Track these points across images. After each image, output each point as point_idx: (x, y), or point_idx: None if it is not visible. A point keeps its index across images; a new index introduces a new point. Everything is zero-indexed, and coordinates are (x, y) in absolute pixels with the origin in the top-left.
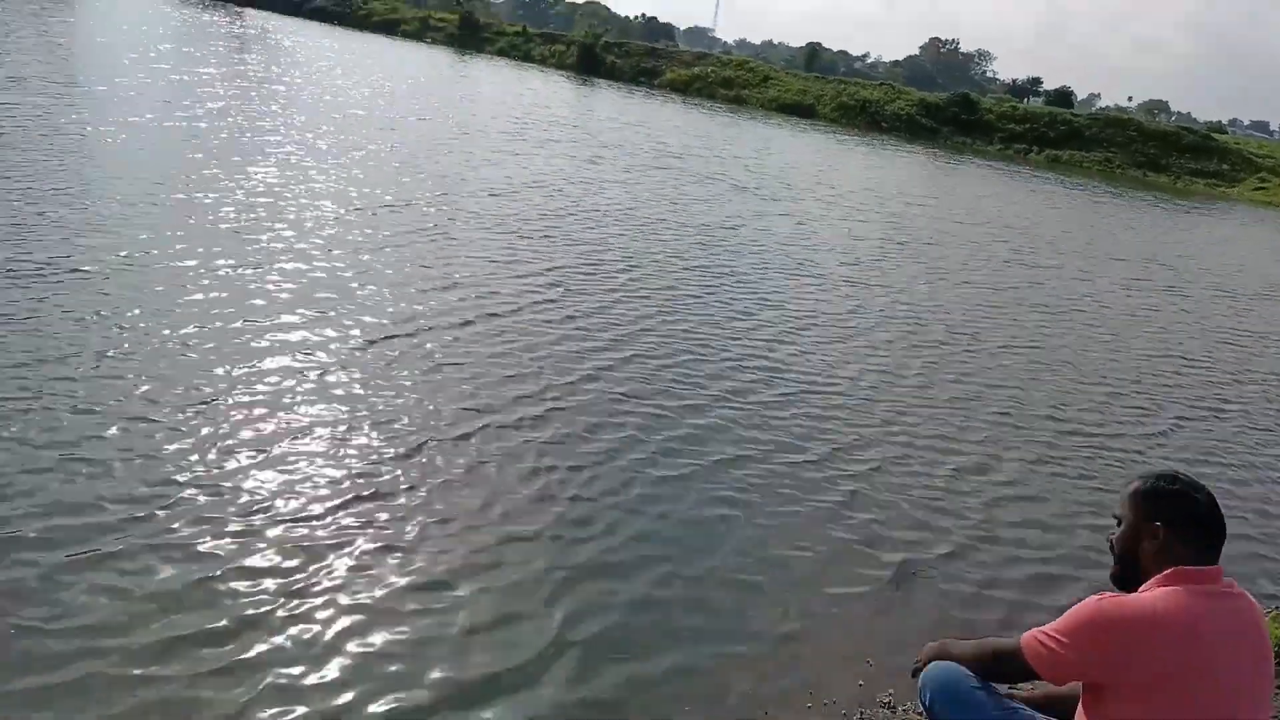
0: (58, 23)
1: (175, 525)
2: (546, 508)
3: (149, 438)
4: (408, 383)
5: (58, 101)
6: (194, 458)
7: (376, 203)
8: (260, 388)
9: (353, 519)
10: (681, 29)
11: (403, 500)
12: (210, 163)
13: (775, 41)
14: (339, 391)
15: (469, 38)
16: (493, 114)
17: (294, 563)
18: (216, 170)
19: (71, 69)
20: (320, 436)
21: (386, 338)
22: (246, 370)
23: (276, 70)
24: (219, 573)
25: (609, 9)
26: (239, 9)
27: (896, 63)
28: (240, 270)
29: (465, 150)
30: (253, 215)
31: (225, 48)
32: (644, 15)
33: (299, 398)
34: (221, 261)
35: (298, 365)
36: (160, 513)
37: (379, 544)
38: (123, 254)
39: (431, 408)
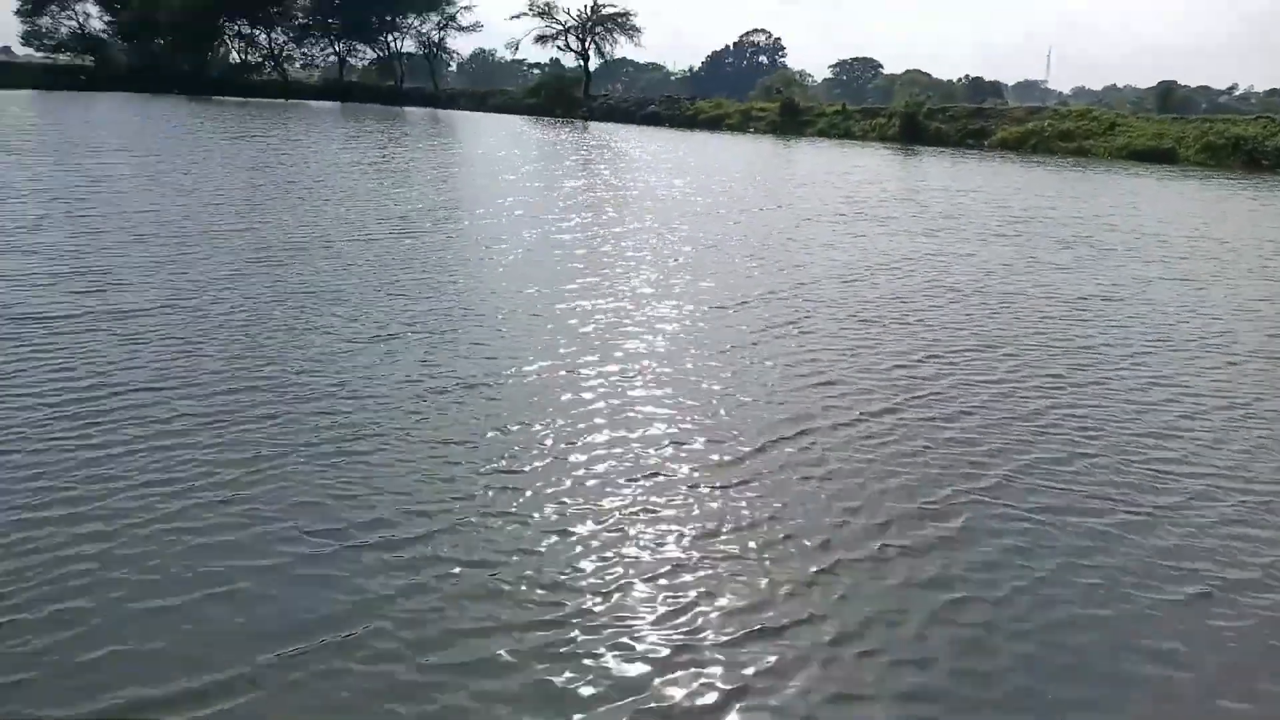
0: (441, 149)
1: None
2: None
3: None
4: (794, 493)
5: (458, 226)
6: (590, 561)
7: (734, 299)
8: (636, 496)
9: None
10: (1010, 85)
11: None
12: (577, 269)
13: (1119, 85)
14: (717, 504)
15: (790, 123)
16: (824, 196)
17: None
18: (586, 277)
19: (458, 194)
20: (708, 553)
21: (772, 442)
22: (624, 482)
23: (623, 176)
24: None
25: (929, 75)
26: (584, 123)
27: (1273, 91)
28: (611, 375)
29: (807, 236)
30: (617, 318)
31: (576, 159)
32: (967, 76)
33: (679, 511)
34: (590, 371)
35: (677, 477)
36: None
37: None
38: (507, 358)
39: (829, 522)
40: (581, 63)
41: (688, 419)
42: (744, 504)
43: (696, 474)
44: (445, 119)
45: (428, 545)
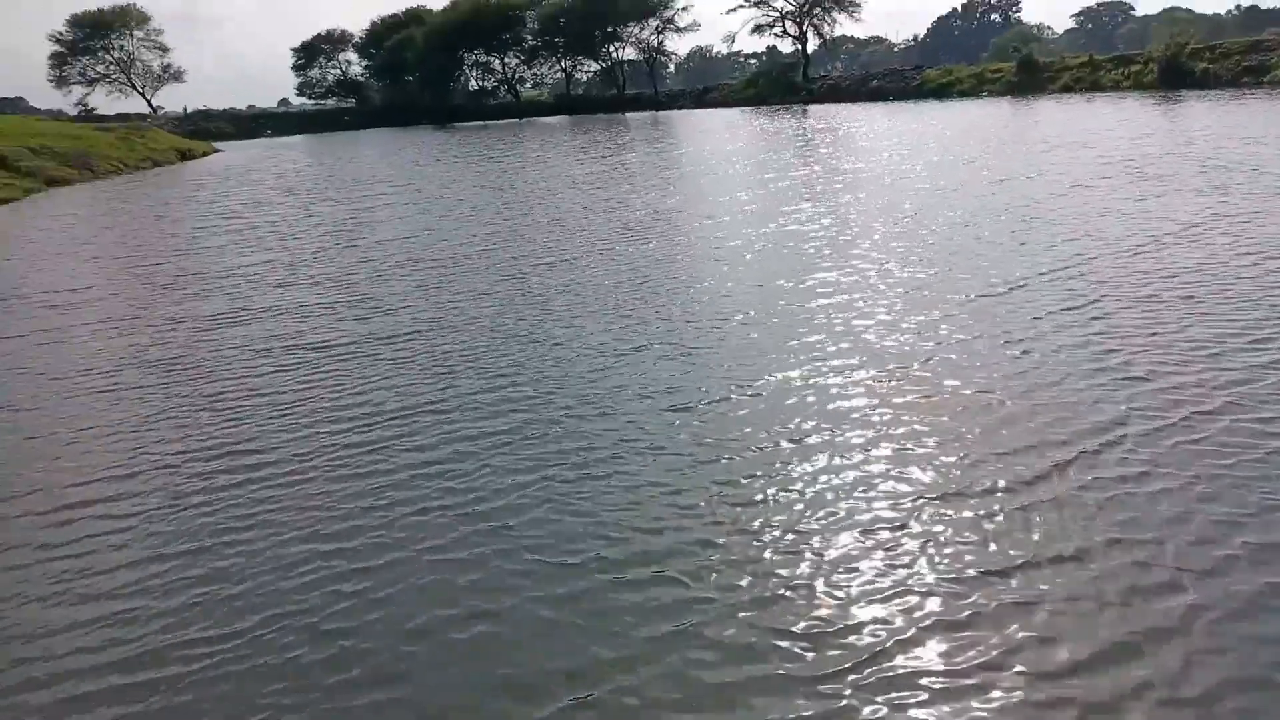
0: (664, 151)
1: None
2: None
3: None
4: (1114, 516)
5: (691, 228)
6: (871, 607)
7: (1002, 283)
8: (918, 523)
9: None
10: None
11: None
12: (817, 262)
13: None
14: (1020, 533)
15: (1029, 82)
16: (1084, 158)
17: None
18: (828, 271)
19: (686, 195)
20: (1007, 596)
21: (1077, 454)
22: (902, 505)
23: (851, 157)
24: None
25: (1190, 11)
26: (803, 107)
27: None
28: (871, 381)
29: (1075, 205)
30: (869, 315)
31: (798, 145)
32: (1239, 7)
33: (972, 539)
34: (846, 377)
35: (965, 499)
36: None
37: None
38: (756, 367)
39: (1169, 555)
40: (799, 46)
41: (968, 428)
42: (1056, 531)
43: (987, 495)
44: (665, 120)
45: (687, 586)
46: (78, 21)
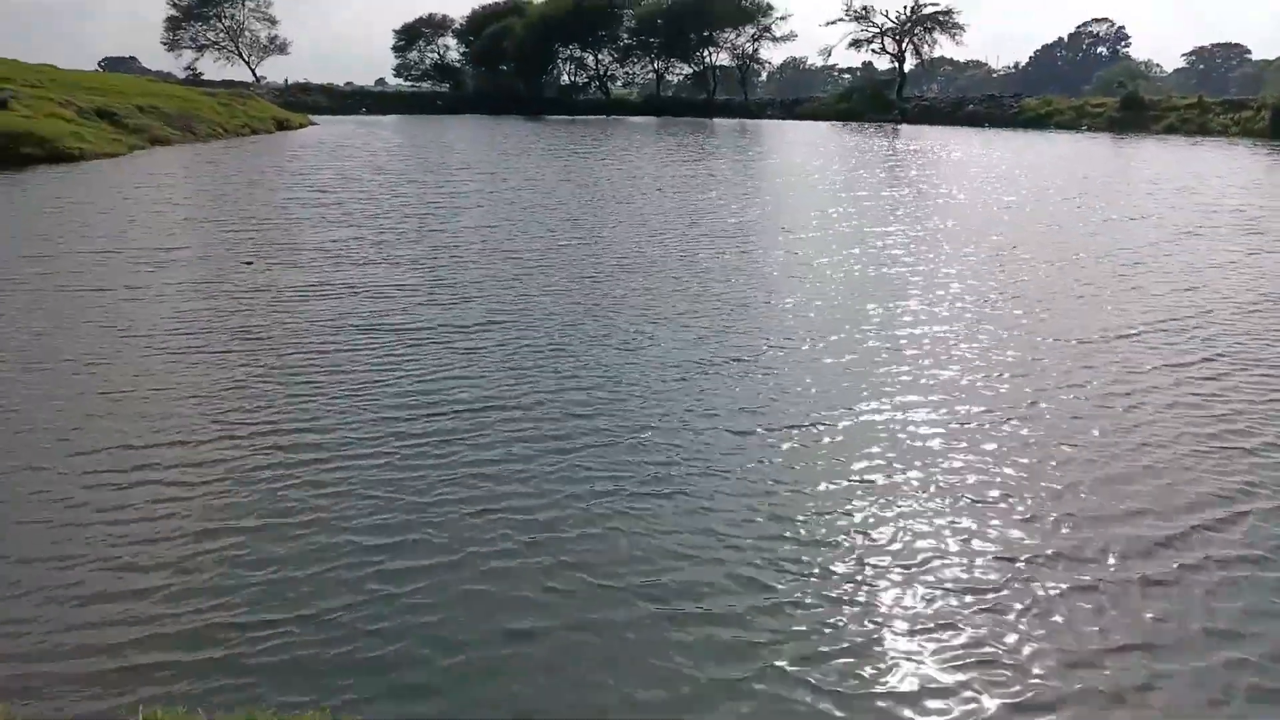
0: (753, 160)
1: None
2: None
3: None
4: (1237, 606)
5: (774, 242)
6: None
7: (1104, 333)
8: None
9: None
10: None
11: None
12: (905, 292)
13: None
14: (1134, 610)
15: (1131, 119)
16: (1194, 203)
17: None
18: (916, 302)
19: (770, 207)
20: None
21: (1189, 530)
22: (993, 579)
23: (943, 182)
24: None
25: None
26: (895, 126)
27: None
28: (961, 430)
29: (1187, 253)
30: (958, 353)
31: (889, 165)
32: None
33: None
34: (933, 424)
35: (1059, 563)
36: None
37: None
38: (835, 396)
39: None
40: (896, 64)
41: (1069, 486)
42: (1167, 612)
43: (1091, 564)
44: (754, 128)
45: (738, 631)
46: None
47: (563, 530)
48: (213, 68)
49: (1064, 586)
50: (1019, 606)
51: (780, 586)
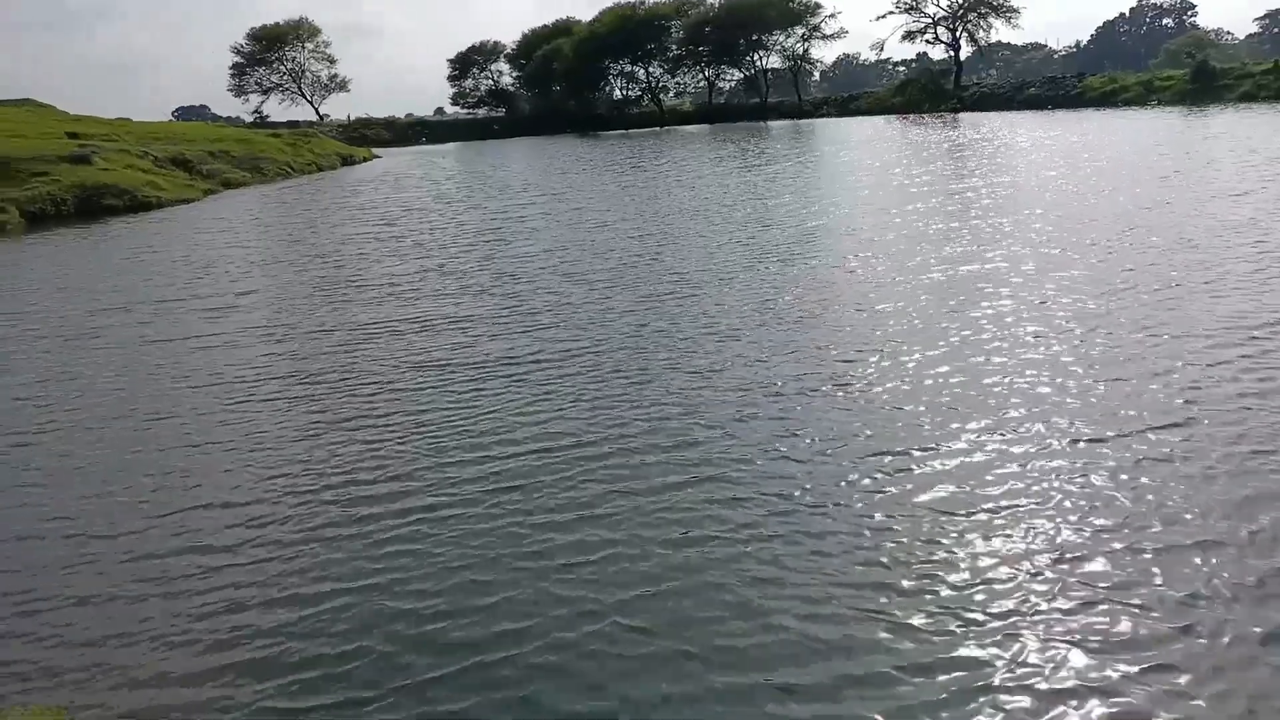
0: (809, 163)
1: None
2: None
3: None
4: None
5: (840, 247)
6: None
7: (1244, 332)
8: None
9: None
10: None
11: None
12: (989, 295)
13: None
14: None
15: (1202, 91)
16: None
17: None
18: (1001, 311)
19: (831, 208)
20: None
21: None
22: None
23: (1009, 171)
24: None
25: None
26: (952, 115)
27: None
28: (1075, 456)
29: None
30: (1061, 367)
31: (947, 157)
32: None
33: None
34: (1043, 455)
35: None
36: None
37: None
38: (930, 420)
39: None
40: (951, 53)
41: (1225, 544)
42: None
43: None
44: (809, 128)
45: (825, 705)
46: (256, 35)
47: (639, 588)
48: (278, 109)
49: (1208, 665)
50: (1158, 686)
51: (935, 642)
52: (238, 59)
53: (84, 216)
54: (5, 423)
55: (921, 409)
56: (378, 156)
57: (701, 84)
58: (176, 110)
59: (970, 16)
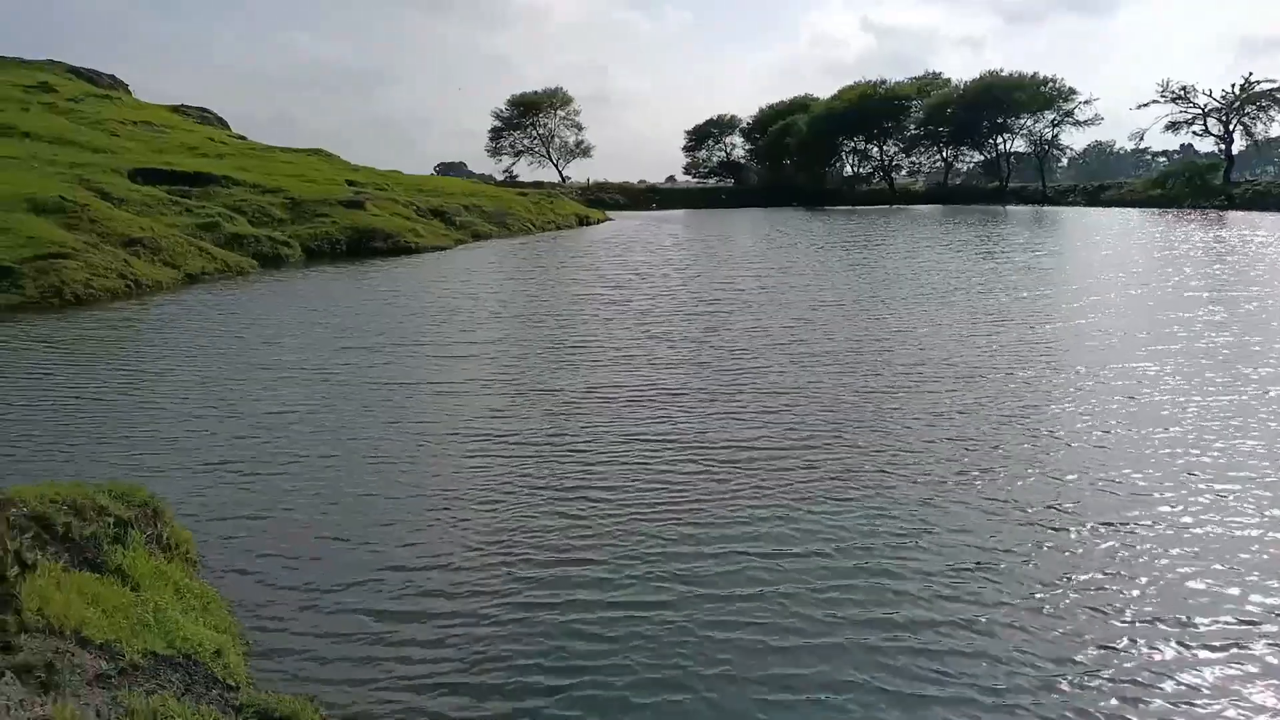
0: (1052, 248)
1: None
2: None
3: None
4: None
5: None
6: None
7: None
8: None
9: None
10: None
11: None
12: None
13: None
14: None
15: None
16: None
17: None
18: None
19: (1081, 308)
20: None
21: None
22: None
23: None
24: None
25: None
26: (1219, 214)
27: None
28: None
29: None
30: None
31: (1230, 265)
32: None
33: None
34: None
35: None
36: None
37: None
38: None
39: None
40: (1222, 146)
41: None
42: None
43: None
44: (1053, 217)
45: None
46: (515, 102)
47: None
48: (526, 169)
49: None
50: None
51: None
52: (497, 123)
53: (353, 255)
54: (231, 452)
55: (1248, 554)
56: (610, 219)
57: (937, 164)
58: (438, 165)
59: (1248, 109)
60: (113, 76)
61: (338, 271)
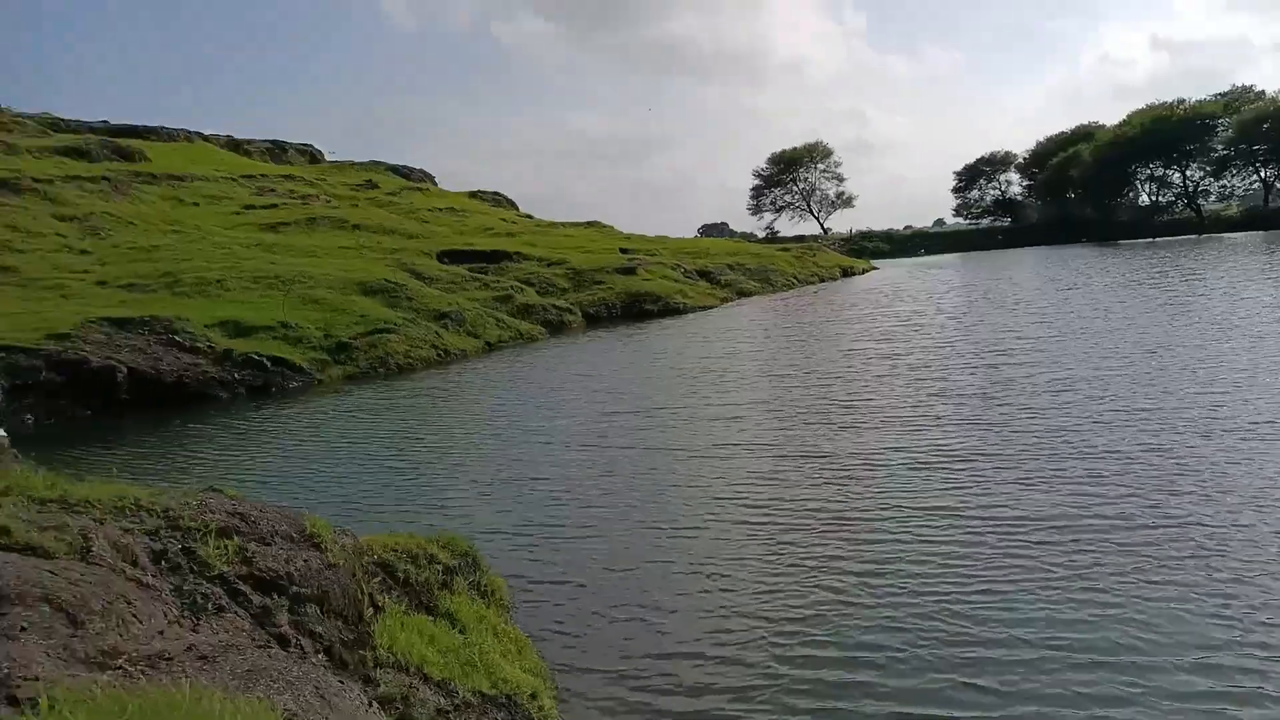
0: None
1: None
2: None
3: None
4: None
5: None
6: None
7: None
8: None
9: None
10: None
11: None
12: None
13: None
14: None
15: None
16: None
17: None
18: None
19: None
20: None
21: None
22: None
23: None
24: None
25: None
26: None
27: None
28: None
29: None
30: None
31: None
32: None
33: None
34: None
35: None
36: None
37: None
38: None
39: None
40: None
41: None
42: None
43: None
44: None
45: None
46: (775, 159)
47: None
48: (787, 225)
49: None
50: None
51: None
52: (758, 181)
53: (627, 318)
54: (523, 509)
55: None
56: (876, 268)
57: (1254, 186)
58: (701, 227)
59: None
60: (423, 170)
61: (613, 335)
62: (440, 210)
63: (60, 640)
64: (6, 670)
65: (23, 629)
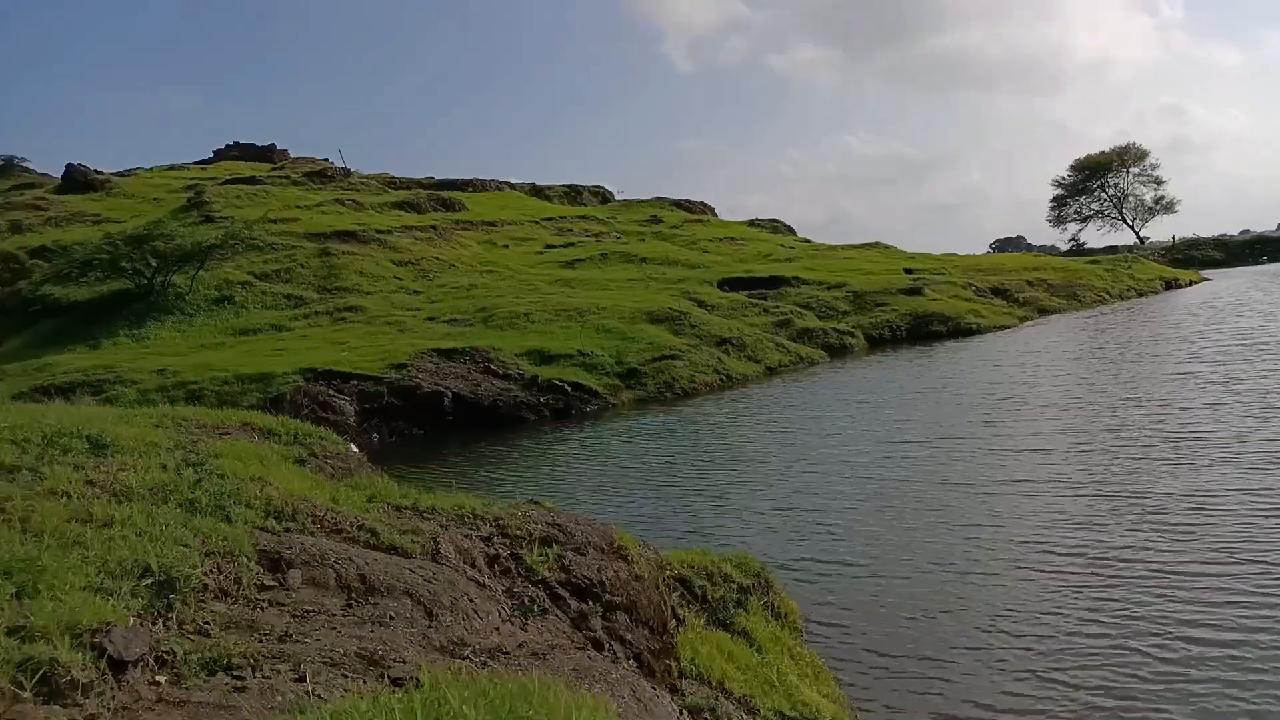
0: None
1: None
2: None
3: None
4: None
5: None
6: None
7: None
8: None
9: None
10: None
11: None
12: None
13: None
14: None
15: None
16: None
17: None
18: None
19: None
20: None
21: None
22: None
23: None
24: None
25: None
26: None
27: None
28: None
29: None
30: None
31: None
32: None
33: None
34: None
35: None
36: None
37: None
38: None
39: None
40: None
41: None
42: None
43: None
44: None
45: None
46: (1079, 166)
47: None
48: (1095, 235)
49: None
50: None
51: None
52: (1059, 190)
53: (913, 340)
54: (804, 536)
55: None
56: (1207, 279)
57: None
58: (994, 242)
59: None
60: (703, 203)
61: (897, 357)
62: (720, 240)
63: (419, 629)
64: (381, 651)
65: (391, 618)
